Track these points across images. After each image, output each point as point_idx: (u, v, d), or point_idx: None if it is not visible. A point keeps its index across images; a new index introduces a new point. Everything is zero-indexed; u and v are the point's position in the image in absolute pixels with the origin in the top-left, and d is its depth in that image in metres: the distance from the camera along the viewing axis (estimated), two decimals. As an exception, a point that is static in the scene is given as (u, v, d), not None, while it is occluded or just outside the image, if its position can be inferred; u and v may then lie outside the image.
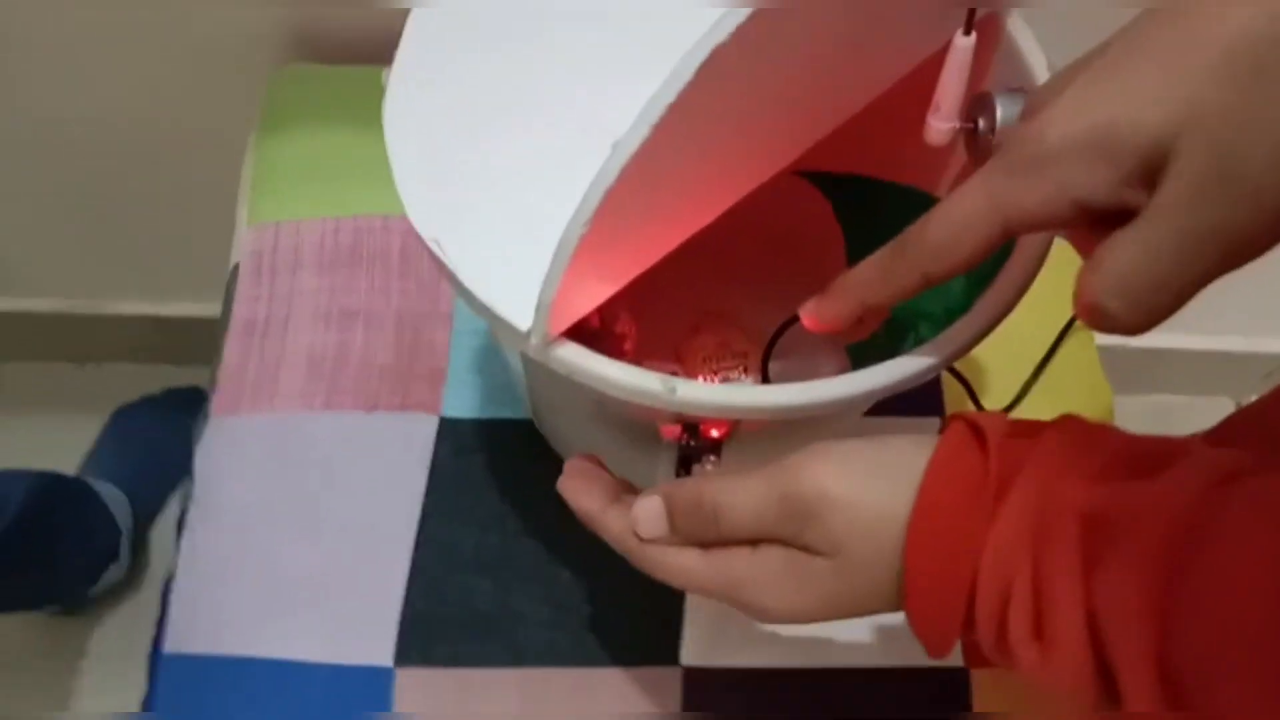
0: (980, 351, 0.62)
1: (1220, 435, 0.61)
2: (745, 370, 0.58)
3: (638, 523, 0.33)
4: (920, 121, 0.40)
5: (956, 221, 0.30)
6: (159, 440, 1.06)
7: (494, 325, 0.34)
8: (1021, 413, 0.62)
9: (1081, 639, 0.26)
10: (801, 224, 0.56)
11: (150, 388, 1.10)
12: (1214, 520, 0.25)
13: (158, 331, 1.05)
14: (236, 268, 0.60)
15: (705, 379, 0.57)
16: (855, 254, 0.55)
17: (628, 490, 0.36)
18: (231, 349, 0.57)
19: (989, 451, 0.29)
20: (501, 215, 0.34)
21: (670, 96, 0.28)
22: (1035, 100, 0.32)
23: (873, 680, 0.52)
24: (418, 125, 0.35)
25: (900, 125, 0.41)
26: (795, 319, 0.58)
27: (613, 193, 0.29)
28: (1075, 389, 0.64)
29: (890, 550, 0.29)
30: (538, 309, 0.31)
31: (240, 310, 0.59)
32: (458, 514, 0.54)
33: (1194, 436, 0.66)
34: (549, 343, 0.33)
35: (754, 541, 0.31)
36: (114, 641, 1.02)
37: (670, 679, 0.51)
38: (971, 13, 0.36)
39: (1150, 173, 0.27)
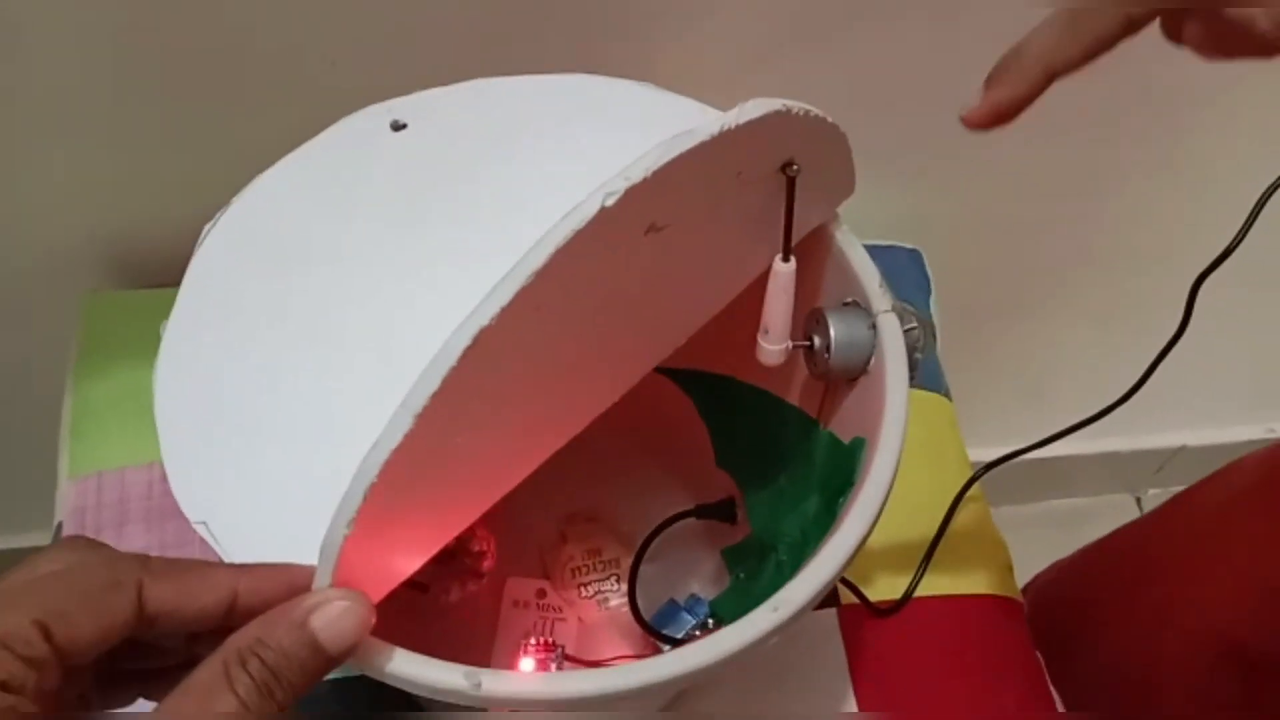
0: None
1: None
2: (619, 580, 0.54)
3: None
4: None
5: None
6: None
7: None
8: (926, 583, 0.59)
9: None
10: (668, 419, 0.53)
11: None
12: None
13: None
14: (59, 528, 0.55)
15: (578, 593, 0.54)
16: (720, 449, 0.53)
17: None
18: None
19: None
20: (277, 495, 0.30)
21: (434, 384, 0.25)
22: None
23: None
24: (190, 393, 0.32)
25: (751, 329, 0.39)
26: (664, 525, 0.55)
27: (376, 489, 0.25)
28: (974, 553, 0.61)
29: None
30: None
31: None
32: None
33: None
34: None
35: None
36: None
37: None
38: (788, 239, 0.34)
39: None
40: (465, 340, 0.25)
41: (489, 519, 0.54)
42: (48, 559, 0.26)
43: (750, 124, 0.28)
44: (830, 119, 0.32)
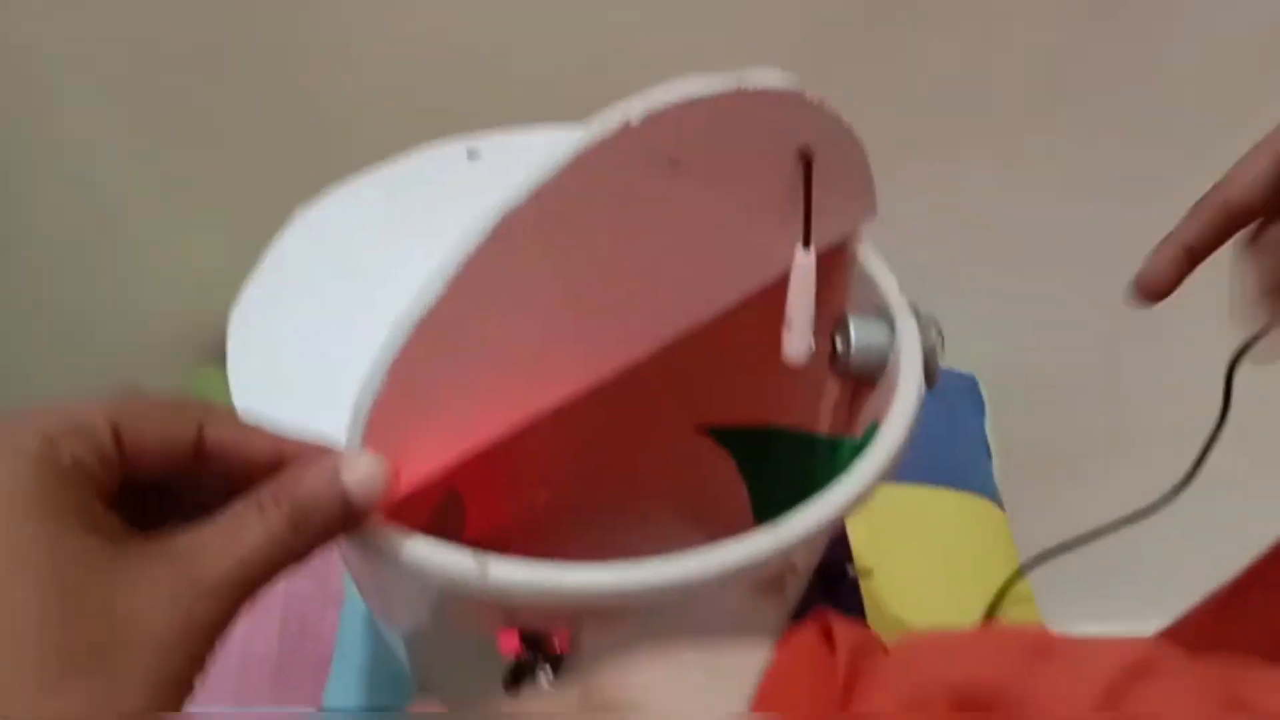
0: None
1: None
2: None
3: None
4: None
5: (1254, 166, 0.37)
6: None
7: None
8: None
9: None
10: (708, 485, 0.55)
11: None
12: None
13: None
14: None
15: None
16: (759, 506, 0.54)
17: None
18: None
19: (837, 644, 0.25)
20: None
21: (467, 252, 0.28)
22: None
23: None
24: (260, 332, 0.36)
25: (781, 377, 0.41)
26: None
27: (408, 348, 0.28)
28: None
29: None
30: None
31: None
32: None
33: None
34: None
35: None
36: None
37: None
38: (808, 224, 0.37)
39: None
40: (495, 217, 0.28)
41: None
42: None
43: (765, 93, 0.32)
44: (845, 118, 0.36)
